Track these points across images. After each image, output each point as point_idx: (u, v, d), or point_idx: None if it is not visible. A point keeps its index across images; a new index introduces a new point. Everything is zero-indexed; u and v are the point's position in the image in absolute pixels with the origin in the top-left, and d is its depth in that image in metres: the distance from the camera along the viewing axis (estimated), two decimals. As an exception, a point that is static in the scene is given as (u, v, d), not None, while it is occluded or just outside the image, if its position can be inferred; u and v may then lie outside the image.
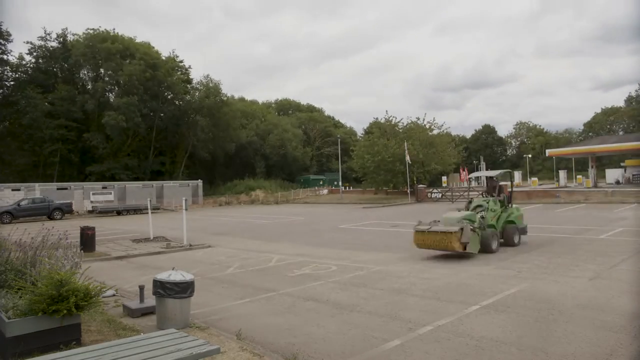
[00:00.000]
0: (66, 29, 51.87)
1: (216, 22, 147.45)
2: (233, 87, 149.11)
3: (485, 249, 11.10)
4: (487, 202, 11.93)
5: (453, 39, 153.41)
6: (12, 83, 47.59)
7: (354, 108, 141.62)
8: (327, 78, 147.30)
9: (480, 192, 13.51)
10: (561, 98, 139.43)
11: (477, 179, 15.42)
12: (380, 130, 44.65)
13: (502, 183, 13.46)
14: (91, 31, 50.12)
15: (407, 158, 36.73)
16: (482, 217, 11.36)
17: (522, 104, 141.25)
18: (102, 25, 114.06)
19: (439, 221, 11.30)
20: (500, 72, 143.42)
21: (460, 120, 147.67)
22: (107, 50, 47.77)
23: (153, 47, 53.61)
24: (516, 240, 12.11)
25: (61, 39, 50.76)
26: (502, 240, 11.93)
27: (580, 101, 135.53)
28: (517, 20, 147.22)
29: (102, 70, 51.25)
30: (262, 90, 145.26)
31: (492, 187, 13.02)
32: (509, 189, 13.49)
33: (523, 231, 12.59)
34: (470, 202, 12.52)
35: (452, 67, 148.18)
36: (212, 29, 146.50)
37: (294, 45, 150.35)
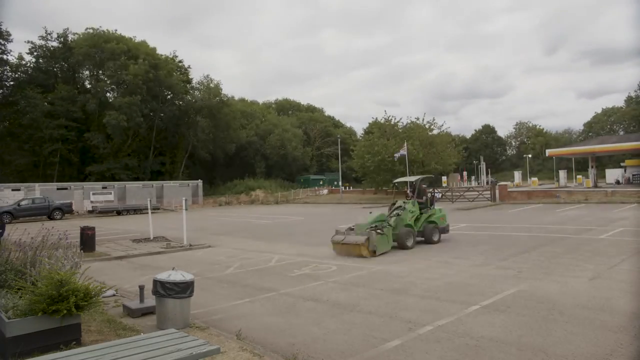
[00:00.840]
0: (67, 29, 51.92)
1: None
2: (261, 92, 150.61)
3: (400, 246, 12.34)
4: (407, 204, 13.16)
5: (457, 56, 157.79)
6: (12, 83, 47.61)
7: (365, 112, 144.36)
8: (347, 86, 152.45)
9: (406, 195, 14.86)
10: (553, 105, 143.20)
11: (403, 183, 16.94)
12: (380, 130, 44.65)
13: (425, 186, 14.94)
14: (91, 30, 50.11)
15: (400, 152, 36.53)
16: (399, 217, 12.68)
17: (516, 109, 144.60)
18: (102, 23, 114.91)
19: (353, 229, 12.23)
20: (495, 84, 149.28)
21: (459, 124, 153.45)
22: (112, 50, 47.90)
23: (153, 47, 53.60)
24: (435, 238, 13.26)
25: (62, 39, 50.79)
26: (423, 238, 13.20)
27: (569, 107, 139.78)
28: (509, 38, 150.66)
29: (102, 71, 51.27)
30: (290, 95, 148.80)
31: (413, 191, 14.10)
32: (432, 193, 14.79)
33: (444, 230, 13.78)
34: (394, 204, 13.69)
35: (453, 79, 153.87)
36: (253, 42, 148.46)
37: (322, 56, 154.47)
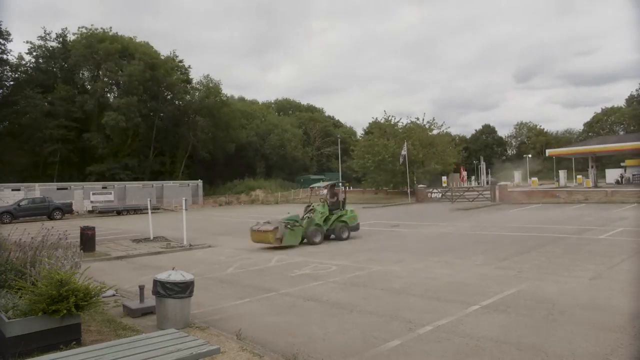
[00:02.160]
0: (66, 28, 51.93)
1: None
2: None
3: (310, 242, 14.16)
4: (318, 206, 15.03)
5: (458, 73, 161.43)
6: (11, 83, 47.60)
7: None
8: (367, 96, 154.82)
9: (320, 198, 17.31)
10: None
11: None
12: (380, 130, 44.67)
13: (340, 189, 16.80)
14: (84, 30, 49.98)
15: (403, 151, 36.68)
16: (310, 219, 14.54)
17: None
18: (105, 22, 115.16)
19: (269, 222, 13.89)
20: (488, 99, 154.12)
21: (459, 124, 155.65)
22: (106, 50, 47.71)
23: (152, 47, 53.56)
24: (344, 235, 15.14)
25: (60, 39, 50.76)
26: (334, 235, 15.14)
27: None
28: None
29: (100, 72, 51.27)
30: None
31: (332, 194, 16.09)
32: (343, 195, 16.33)
33: (354, 228, 15.67)
34: (308, 206, 15.45)
35: (454, 93, 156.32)
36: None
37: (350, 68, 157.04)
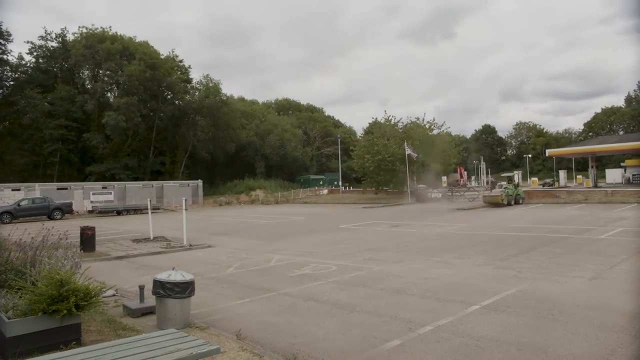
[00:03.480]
0: (65, 28, 51.93)
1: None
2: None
3: (509, 204, 28.45)
4: (510, 186, 25.51)
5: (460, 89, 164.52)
6: (12, 83, 47.59)
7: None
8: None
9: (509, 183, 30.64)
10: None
11: None
12: (380, 130, 44.67)
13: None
14: (84, 30, 50.01)
15: (408, 151, 36.77)
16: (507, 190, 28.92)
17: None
18: (103, 22, 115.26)
19: (496, 189, 28.19)
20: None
21: (459, 124, 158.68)
22: (107, 50, 47.71)
23: (152, 47, 53.52)
24: (520, 201, 29.23)
25: (60, 39, 50.75)
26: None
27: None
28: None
29: (100, 71, 51.25)
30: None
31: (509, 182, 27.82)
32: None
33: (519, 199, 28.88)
34: (505, 186, 28.98)
35: (455, 104, 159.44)
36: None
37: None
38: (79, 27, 50.64)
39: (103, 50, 47.57)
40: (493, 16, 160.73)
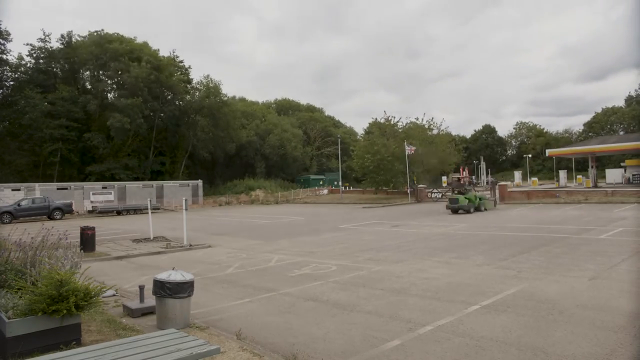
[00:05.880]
0: (71, 31, 52.30)
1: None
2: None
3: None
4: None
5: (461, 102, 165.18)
6: (12, 83, 47.57)
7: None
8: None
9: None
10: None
11: None
12: (380, 130, 44.68)
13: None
14: (95, 33, 50.33)
15: (408, 151, 36.75)
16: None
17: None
18: (102, 25, 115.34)
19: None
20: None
21: (459, 123, 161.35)
22: (115, 51, 47.94)
23: (153, 49, 53.57)
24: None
25: (65, 40, 50.83)
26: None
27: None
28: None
29: (102, 72, 51.26)
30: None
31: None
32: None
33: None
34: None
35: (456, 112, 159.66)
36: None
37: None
38: (89, 31, 50.82)
39: (111, 51, 47.80)
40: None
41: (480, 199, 25.77)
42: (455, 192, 26.43)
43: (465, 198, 24.63)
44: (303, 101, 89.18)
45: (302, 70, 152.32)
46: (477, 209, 25.16)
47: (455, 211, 24.51)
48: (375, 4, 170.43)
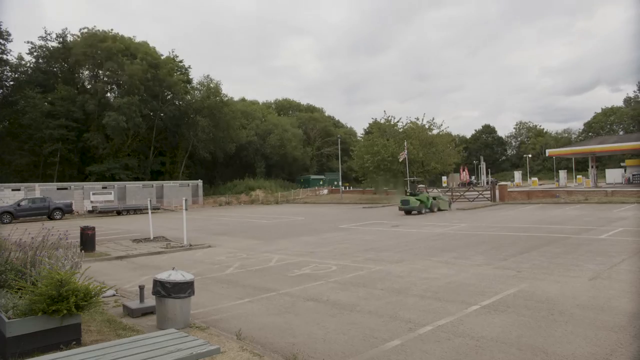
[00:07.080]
0: (66, 29, 51.95)
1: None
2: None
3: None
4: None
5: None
6: (12, 83, 47.58)
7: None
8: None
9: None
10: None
11: None
12: (380, 130, 44.65)
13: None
14: (85, 31, 50.03)
15: (401, 157, 36.61)
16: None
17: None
18: (99, 23, 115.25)
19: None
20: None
21: (459, 123, 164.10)
22: (108, 49, 47.75)
23: (152, 47, 53.54)
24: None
25: (61, 39, 50.76)
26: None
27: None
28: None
29: (100, 71, 51.20)
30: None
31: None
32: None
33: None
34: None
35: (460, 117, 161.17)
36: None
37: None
38: (80, 29, 50.54)
39: (103, 49, 47.55)
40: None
41: (433, 199, 26.56)
42: (408, 193, 27.03)
43: (417, 199, 25.17)
44: (326, 108, 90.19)
45: (335, 85, 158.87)
46: (430, 210, 25.81)
47: (408, 212, 25.16)
48: (402, 33, 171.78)
